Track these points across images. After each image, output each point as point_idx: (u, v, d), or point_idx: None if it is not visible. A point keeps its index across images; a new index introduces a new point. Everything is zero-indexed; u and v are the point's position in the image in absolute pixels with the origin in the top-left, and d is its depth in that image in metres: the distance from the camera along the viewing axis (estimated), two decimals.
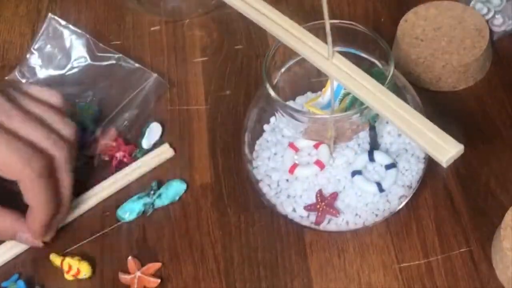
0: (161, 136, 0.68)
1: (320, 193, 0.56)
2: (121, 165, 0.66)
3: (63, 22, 0.74)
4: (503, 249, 0.54)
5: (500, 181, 0.61)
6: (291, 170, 0.57)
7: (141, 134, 0.67)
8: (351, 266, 0.58)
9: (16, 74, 0.72)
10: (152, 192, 0.63)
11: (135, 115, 0.69)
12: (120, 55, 0.72)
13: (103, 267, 0.60)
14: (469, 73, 0.67)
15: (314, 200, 0.57)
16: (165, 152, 0.66)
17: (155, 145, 0.67)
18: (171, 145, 0.66)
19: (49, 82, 0.72)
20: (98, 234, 0.62)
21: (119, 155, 0.66)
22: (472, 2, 0.71)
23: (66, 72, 0.73)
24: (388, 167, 0.57)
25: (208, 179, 0.64)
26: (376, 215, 0.58)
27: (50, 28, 0.74)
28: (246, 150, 0.60)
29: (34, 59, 0.73)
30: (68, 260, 0.59)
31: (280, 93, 0.56)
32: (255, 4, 0.53)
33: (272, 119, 0.61)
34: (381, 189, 0.56)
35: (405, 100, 0.52)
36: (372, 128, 0.58)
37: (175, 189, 0.63)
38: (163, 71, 0.72)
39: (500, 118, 0.66)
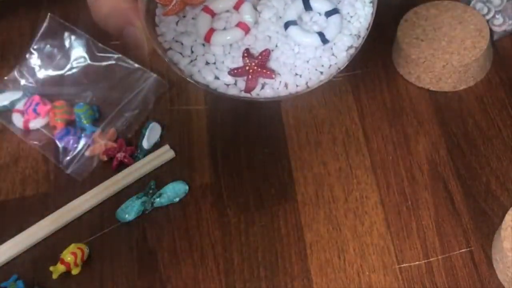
0: (161, 136, 0.68)
1: (247, 53, 0.48)
2: (121, 166, 0.65)
3: (62, 22, 0.74)
4: (503, 250, 0.54)
5: (501, 181, 0.61)
6: (207, 37, 0.48)
7: (141, 135, 0.67)
8: (351, 266, 0.58)
9: (15, 74, 0.72)
10: (150, 191, 0.63)
11: (135, 115, 0.69)
12: (120, 55, 0.72)
13: (102, 268, 0.60)
14: (469, 73, 0.67)
15: (240, 64, 0.48)
16: (166, 153, 0.66)
17: (155, 145, 0.67)
18: (170, 145, 0.66)
19: (49, 83, 0.72)
20: (98, 235, 0.62)
21: (120, 155, 0.65)
22: (473, 2, 0.71)
23: (65, 72, 0.72)
24: (329, 13, 0.49)
25: (207, 179, 0.64)
26: (321, 73, 0.49)
27: (49, 28, 0.74)
28: (147, 15, 0.50)
29: (34, 59, 0.73)
30: (68, 249, 0.60)
31: None
32: None
33: None
34: (324, 40, 0.48)
35: None
36: None
37: (176, 190, 0.63)
38: (163, 71, 0.72)
39: (500, 118, 0.66)
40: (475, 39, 0.68)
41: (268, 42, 0.48)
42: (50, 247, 0.62)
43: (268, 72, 0.47)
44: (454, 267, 0.57)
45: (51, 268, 0.59)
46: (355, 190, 0.62)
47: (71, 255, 0.59)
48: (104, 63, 0.72)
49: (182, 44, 0.49)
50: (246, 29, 0.48)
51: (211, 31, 0.48)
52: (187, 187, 0.63)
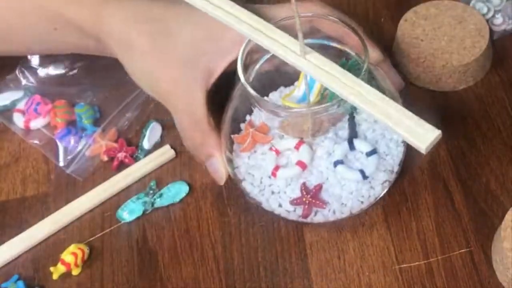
0: (162, 136, 0.68)
1: (304, 186, 0.57)
2: (122, 166, 0.66)
3: None
4: (503, 250, 0.54)
5: (500, 181, 0.61)
6: (274, 172, 0.57)
7: (142, 135, 0.67)
8: (351, 267, 0.58)
9: (17, 73, 0.72)
10: (151, 191, 0.63)
11: (136, 115, 0.69)
12: None
13: (103, 268, 0.60)
14: (469, 73, 0.67)
15: (298, 194, 0.57)
16: (166, 153, 0.66)
17: (156, 145, 0.67)
18: (171, 145, 0.66)
19: (50, 82, 0.72)
20: (98, 235, 0.62)
21: (120, 155, 0.66)
22: (472, 2, 0.71)
23: (66, 73, 0.73)
24: (369, 154, 0.57)
25: (208, 179, 0.64)
26: (362, 202, 0.58)
27: None
28: (226, 150, 0.60)
29: (35, 59, 0.73)
30: (69, 250, 0.60)
31: (254, 89, 0.55)
32: (221, 4, 0.52)
33: (248, 117, 0.60)
34: (364, 176, 0.57)
35: (382, 89, 0.54)
36: (351, 117, 0.58)
37: (176, 190, 0.63)
38: None
39: (500, 118, 0.65)
40: (475, 38, 0.67)
41: (321, 176, 0.57)
42: (50, 247, 0.62)
43: (320, 203, 0.57)
44: (454, 267, 0.57)
45: (52, 269, 0.59)
46: None
47: (72, 256, 0.59)
48: (105, 63, 0.72)
49: (253, 176, 0.59)
50: (304, 167, 0.57)
51: (277, 167, 0.57)
52: (187, 187, 0.64)
